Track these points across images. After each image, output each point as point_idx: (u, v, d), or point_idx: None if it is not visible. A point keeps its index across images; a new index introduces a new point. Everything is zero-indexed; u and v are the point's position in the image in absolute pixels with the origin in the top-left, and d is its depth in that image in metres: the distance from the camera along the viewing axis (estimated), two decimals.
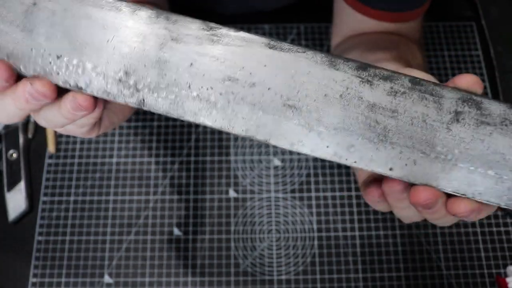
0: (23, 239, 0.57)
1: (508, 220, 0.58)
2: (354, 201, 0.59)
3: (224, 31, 0.25)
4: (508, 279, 0.54)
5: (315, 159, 0.61)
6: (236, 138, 0.63)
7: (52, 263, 0.56)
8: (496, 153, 0.26)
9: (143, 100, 0.26)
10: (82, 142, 0.62)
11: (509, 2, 0.71)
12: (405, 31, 0.51)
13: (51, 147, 0.62)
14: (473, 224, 0.58)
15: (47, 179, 0.60)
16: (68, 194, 0.60)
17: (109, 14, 0.25)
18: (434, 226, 0.57)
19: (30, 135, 0.62)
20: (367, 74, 0.25)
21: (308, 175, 0.60)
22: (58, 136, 0.63)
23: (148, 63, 0.25)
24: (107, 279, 0.55)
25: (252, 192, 0.60)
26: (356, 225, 0.58)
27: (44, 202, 0.59)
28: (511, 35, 0.69)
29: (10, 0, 0.26)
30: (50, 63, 0.26)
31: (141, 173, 0.61)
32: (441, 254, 0.56)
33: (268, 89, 0.25)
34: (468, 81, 0.26)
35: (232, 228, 0.58)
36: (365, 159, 0.25)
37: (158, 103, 0.25)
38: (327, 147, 0.25)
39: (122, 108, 0.35)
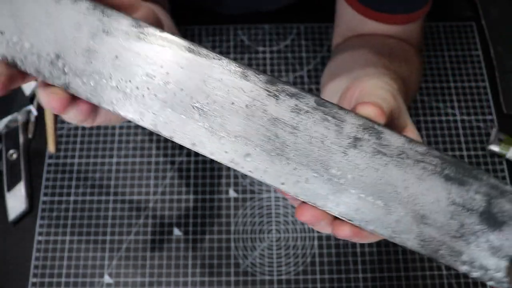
0: (23, 239, 0.57)
1: None
2: None
3: (151, 30, 0.26)
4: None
5: None
6: None
7: (52, 263, 0.56)
8: (388, 184, 0.26)
9: (69, 83, 0.27)
10: (82, 142, 0.62)
11: (509, 2, 0.71)
12: (405, 34, 0.51)
13: (51, 147, 0.62)
14: None
15: (47, 179, 0.60)
16: (68, 194, 0.60)
17: (52, 2, 0.27)
18: None
19: (30, 135, 0.62)
20: (275, 88, 0.26)
21: None
22: (58, 136, 0.63)
23: (78, 50, 0.27)
24: (107, 279, 0.55)
25: (252, 192, 0.60)
26: None
27: (44, 202, 0.59)
28: (511, 35, 0.69)
29: None
30: None
31: (141, 173, 0.61)
32: None
33: (181, 89, 0.26)
34: (369, 111, 0.27)
35: (232, 228, 0.58)
36: (259, 170, 0.26)
37: (81, 88, 0.27)
38: (226, 152, 0.26)
39: None
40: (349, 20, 0.52)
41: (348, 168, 0.26)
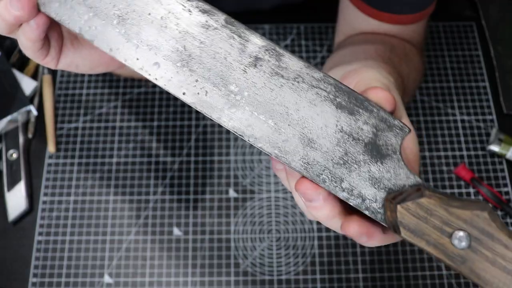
0: (23, 239, 0.57)
1: (508, 220, 0.58)
2: None
3: None
4: None
5: None
6: (236, 138, 0.63)
7: (52, 263, 0.56)
8: (281, 105, 0.27)
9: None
10: (82, 142, 0.62)
11: (509, 2, 0.71)
12: (408, 33, 0.51)
13: (51, 147, 0.62)
14: None
15: (47, 179, 0.60)
16: (68, 194, 0.60)
17: None
18: None
19: (30, 135, 0.62)
20: (189, 4, 0.28)
21: None
22: (58, 136, 0.63)
23: None
24: (107, 279, 0.55)
25: (252, 192, 0.60)
26: None
27: (44, 202, 0.59)
28: (511, 35, 0.69)
29: None
30: None
31: (141, 173, 0.61)
32: None
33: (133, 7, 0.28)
34: (380, 96, 0.29)
35: (232, 228, 0.58)
36: (165, 78, 0.27)
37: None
38: (137, 59, 0.28)
39: (87, 52, 0.34)
40: (352, 19, 0.52)
41: (245, 86, 0.27)
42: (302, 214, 0.58)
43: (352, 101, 0.27)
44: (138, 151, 0.62)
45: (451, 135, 0.63)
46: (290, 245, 0.57)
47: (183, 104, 0.65)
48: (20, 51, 0.66)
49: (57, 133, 0.63)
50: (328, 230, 0.58)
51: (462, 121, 0.64)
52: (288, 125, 0.27)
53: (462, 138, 0.62)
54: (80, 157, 0.62)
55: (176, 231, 0.58)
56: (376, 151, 0.27)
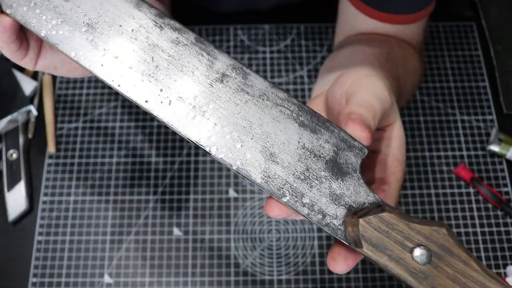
0: (23, 239, 0.57)
1: (508, 220, 0.58)
2: None
3: None
4: (508, 279, 0.54)
5: None
6: None
7: (52, 263, 0.56)
8: (244, 120, 0.28)
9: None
10: (82, 142, 0.62)
11: (509, 2, 0.71)
12: (407, 34, 0.51)
13: (51, 147, 0.62)
14: (473, 224, 0.58)
15: (47, 179, 0.60)
16: (68, 194, 0.60)
17: None
18: None
19: (30, 135, 0.62)
20: (162, 21, 0.29)
21: None
22: (58, 136, 0.63)
23: None
24: (107, 279, 0.55)
25: (252, 192, 0.60)
26: None
27: (44, 202, 0.59)
28: (511, 35, 0.69)
29: None
30: None
31: (141, 173, 0.61)
32: None
33: (78, 7, 0.29)
34: (356, 134, 0.29)
35: (232, 228, 0.58)
36: (129, 85, 0.28)
37: None
38: (102, 65, 0.28)
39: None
40: (351, 19, 0.52)
41: (210, 98, 0.28)
42: None
43: (314, 120, 0.28)
44: (138, 151, 0.62)
45: (451, 135, 0.63)
46: (290, 245, 0.57)
47: None
48: None
49: (57, 133, 0.63)
50: None
51: (462, 121, 0.64)
52: (251, 138, 0.28)
53: (462, 138, 0.62)
54: (80, 157, 0.62)
55: (176, 231, 0.58)
56: (337, 168, 0.28)
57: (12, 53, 0.31)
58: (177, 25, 0.29)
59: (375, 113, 0.30)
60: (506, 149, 0.60)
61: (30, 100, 0.64)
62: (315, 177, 0.28)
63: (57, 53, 0.34)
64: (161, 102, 0.28)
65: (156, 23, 0.29)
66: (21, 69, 0.65)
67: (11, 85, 0.62)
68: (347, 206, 0.28)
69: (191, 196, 0.60)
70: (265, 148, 0.28)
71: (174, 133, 0.63)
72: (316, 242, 0.57)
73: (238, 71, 0.28)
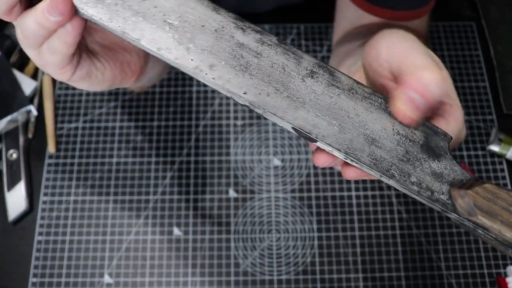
0: (23, 239, 0.57)
1: None
2: (354, 201, 0.59)
3: None
4: (508, 279, 0.54)
5: None
6: (236, 138, 0.63)
7: (52, 263, 0.56)
8: (341, 109, 0.29)
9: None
10: (82, 142, 0.62)
11: (509, 2, 0.71)
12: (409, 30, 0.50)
13: (51, 147, 0.62)
14: None
15: (47, 179, 0.60)
16: (68, 194, 0.60)
17: None
18: (434, 226, 0.57)
19: (30, 135, 0.62)
20: (242, 24, 0.29)
21: (308, 175, 0.60)
22: (58, 136, 0.63)
23: None
24: (107, 279, 0.55)
25: (252, 192, 0.60)
26: (356, 225, 0.58)
27: (44, 202, 0.59)
28: (511, 35, 0.69)
29: None
30: None
31: (141, 173, 0.61)
32: (441, 254, 0.56)
33: (155, 7, 0.29)
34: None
35: (232, 228, 0.58)
36: (223, 78, 0.28)
37: None
38: (192, 60, 0.28)
39: (101, 64, 0.34)
40: (350, 16, 0.52)
41: (306, 92, 0.29)
42: (302, 214, 0.59)
43: None
44: (138, 151, 0.62)
45: None
46: (290, 245, 0.57)
47: (183, 104, 0.65)
48: (20, 51, 0.66)
49: (57, 133, 0.63)
50: (328, 230, 0.58)
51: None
52: (351, 126, 0.29)
53: None
54: (80, 157, 0.62)
55: (176, 231, 0.58)
56: (431, 151, 0.30)
57: (64, 58, 0.30)
58: (257, 28, 0.29)
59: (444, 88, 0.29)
60: (506, 149, 0.60)
61: (30, 100, 0.64)
62: (415, 158, 0.30)
63: (94, 62, 0.33)
64: (259, 94, 0.29)
65: (237, 25, 0.29)
66: (21, 69, 0.65)
67: (11, 85, 0.62)
68: (449, 182, 0.30)
69: (191, 196, 0.60)
70: (366, 135, 0.29)
71: (174, 133, 0.63)
72: (316, 242, 0.57)
73: (324, 69, 0.29)
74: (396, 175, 0.29)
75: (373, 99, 0.30)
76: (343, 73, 0.30)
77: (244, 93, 0.28)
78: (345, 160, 0.29)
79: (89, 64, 0.33)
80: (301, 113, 0.29)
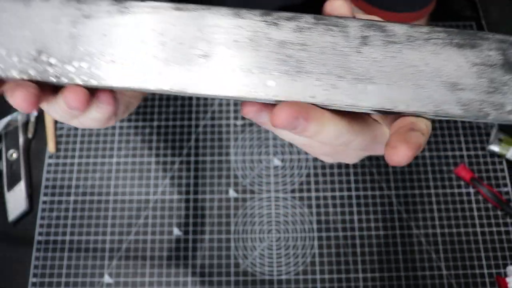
0: (23, 239, 0.57)
1: (508, 220, 0.58)
2: (354, 201, 0.59)
3: (133, 2, 0.27)
4: (508, 279, 0.54)
5: (315, 159, 0.61)
6: (236, 138, 0.63)
7: (52, 263, 0.56)
8: (410, 66, 0.27)
9: (60, 74, 0.27)
10: (82, 142, 0.62)
11: (509, 2, 0.71)
12: None
13: (51, 147, 0.62)
14: (473, 224, 0.58)
15: (47, 179, 0.60)
16: (68, 194, 0.60)
17: (20, 4, 0.27)
18: (434, 226, 0.57)
19: (30, 135, 0.62)
20: (271, 18, 0.27)
21: (308, 175, 0.60)
22: (58, 136, 0.63)
23: (61, 39, 0.27)
24: (107, 279, 0.55)
25: (252, 192, 0.60)
26: (356, 225, 0.58)
27: (44, 202, 0.59)
28: (511, 35, 0.69)
29: None
30: None
31: (141, 173, 0.61)
32: (441, 254, 0.56)
33: (180, 44, 0.27)
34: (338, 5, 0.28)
35: (232, 228, 0.58)
36: (284, 91, 0.26)
37: (73, 74, 0.27)
38: (245, 85, 0.26)
39: (120, 110, 0.34)
40: None
41: (367, 64, 0.27)
42: (302, 214, 0.59)
43: (466, 37, 0.27)
44: (138, 151, 0.62)
45: (451, 135, 0.63)
46: (290, 245, 0.57)
47: (183, 104, 0.65)
48: None
49: (57, 133, 0.63)
50: (328, 230, 0.58)
51: (462, 121, 0.64)
52: (426, 80, 0.27)
53: (462, 138, 0.62)
54: (80, 157, 0.62)
55: (176, 231, 0.58)
56: None
57: (105, 122, 0.30)
58: (288, 14, 0.27)
59: None
60: (506, 149, 0.60)
61: None
62: (502, 83, 0.27)
63: (125, 100, 0.33)
64: (325, 89, 0.27)
65: (267, 21, 0.27)
66: None
67: None
68: None
69: (191, 196, 0.60)
70: (445, 82, 0.27)
71: (174, 133, 0.63)
72: (316, 242, 0.57)
73: (374, 27, 0.27)
74: (491, 112, 0.27)
75: (434, 37, 0.27)
76: (393, 23, 0.27)
77: (312, 97, 0.26)
78: (435, 118, 0.27)
79: (123, 109, 0.33)
80: (373, 90, 0.27)
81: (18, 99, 0.25)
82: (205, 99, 0.65)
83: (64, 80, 0.27)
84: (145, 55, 0.27)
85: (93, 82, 0.27)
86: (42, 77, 0.27)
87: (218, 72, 0.26)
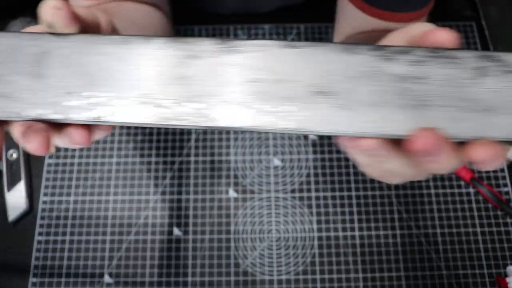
0: (23, 239, 0.57)
1: (508, 220, 0.58)
2: (354, 201, 0.59)
3: (237, 42, 0.26)
4: (508, 279, 0.54)
5: (315, 159, 0.61)
6: (236, 138, 0.63)
7: (52, 263, 0.56)
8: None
9: (173, 118, 0.26)
10: None
11: (509, 2, 0.71)
12: None
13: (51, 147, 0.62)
14: (473, 224, 0.58)
15: (47, 179, 0.60)
16: (68, 194, 0.60)
17: (122, 47, 0.26)
18: (434, 226, 0.57)
19: None
20: (383, 52, 0.26)
21: (308, 175, 0.60)
22: None
23: (169, 81, 0.26)
24: (107, 279, 0.55)
25: (252, 192, 0.60)
26: (356, 225, 0.58)
27: (44, 202, 0.59)
28: (511, 35, 0.69)
29: (17, 52, 0.26)
30: (70, 99, 0.26)
31: (141, 173, 0.61)
32: (441, 254, 0.56)
33: (294, 82, 0.26)
34: (445, 38, 0.26)
35: (232, 228, 0.58)
36: (409, 124, 0.25)
37: (193, 117, 0.26)
38: (367, 122, 0.25)
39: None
40: (351, 18, 0.52)
41: (492, 95, 0.26)
42: (302, 214, 0.59)
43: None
44: (138, 151, 0.62)
45: None
46: (290, 245, 0.57)
47: None
48: None
49: None
50: (328, 230, 0.58)
51: None
52: None
53: None
54: (80, 157, 0.62)
55: (176, 231, 0.58)
56: None
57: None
58: (399, 48, 0.26)
59: None
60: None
61: None
62: None
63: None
64: (453, 123, 0.25)
65: (381, 56, 0.26)
66: None
67: None
68: None
69: (191, 196, 0.60)
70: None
71: (174, 133, 0.63)
72: (316, 242, 0.57)
73: (487, 58, 0.26)
74: None
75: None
76: (503, 53, 0.26)
77: (438, 129, 0.25)
78: None
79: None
80: (500, 120, 0.25)
81: (34, 144, 0.25)
82: None
83: (172, 124, 0.25)
84: (260, 94, 0.26)
85: (209, 123, 0.26)
86: (150, 122, 0.26)
87: (338, 109, 0.25)
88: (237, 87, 0.26)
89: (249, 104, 0.26)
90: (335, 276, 0.55)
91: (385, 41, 0.29)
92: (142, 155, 0.62)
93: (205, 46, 0.26)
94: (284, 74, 0.26)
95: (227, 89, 0.26)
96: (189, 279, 0.55)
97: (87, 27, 0.28)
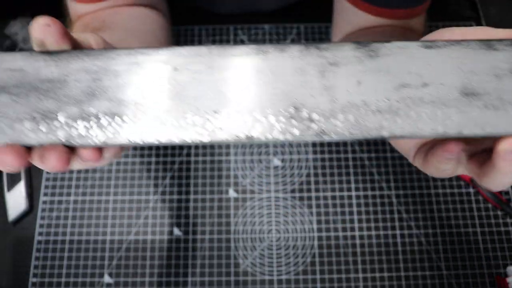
0: (23, 239, 0.57)
1: (508, 220, 0.58)
2: (354, 201, 0.59)
3: (377, 45, 0.25)
4: (508, 279, 0.54)
5: (315, 159, 0.61)
6: None
7: (52, 263, 0.56)
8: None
9: (323, 130, 0.25)
10: None
11: (509, 2, 0.71)
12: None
13: None
14: (473, 224, 0.58)
15: (47, 179, 0.60)
16: (68, 194, 0.60)
17: (260, 57, 0.25)
18: (434, 226, 0.57)
19: None
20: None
21: (308, 175, 0.60)
22: None
23: (315, 92, 0.25)
24: (107, 279, 0.55)
25: (252, 192, 0.60)
26: (356, 225, 0.58)
27: (44, 202, 0.59)
28: None
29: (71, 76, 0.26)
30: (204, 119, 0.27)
31: (141, 173, 0.61)
32: (441, 254, 0.56)
33: (441, 84, 0.25)
34: None
35: (232, 228, 0.58)
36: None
37: (337, 129, 0.25)
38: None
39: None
40: (349, 16, 0.52)
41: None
42: (302, 214, 0.58)
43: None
44: (138, 151, 0.62)
45: None
46: (290, 245, 0.57)
47: None
48: (20, 50, 0.66)
49: None
50: (328, 230, 0.58)
51: None
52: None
53: None
54: None
55: (176, 231, 0.58)
56: None
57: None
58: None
59: None
60: None
61: None
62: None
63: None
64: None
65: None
66: None
67: None
68: None
69: (191, 196, 0.60)
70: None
71: None
72: (316, 242, 0.57)
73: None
74: None
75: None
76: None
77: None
78: None
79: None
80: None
81: (52, 161, 0.25)
82: None
83: (328, 138, 0.25)
84: (409, 100, 0.25)
85: (357, 135, 0.25)
86: (302, 136, 0.25)
87: (489, 110, 0.25)
88: (384, 94, 0.25)
89: (398, 112, 0.25)
90: (335, 276, 0.55)
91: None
92: (142, 155, 0.62)
93: (345, 52, 0.25)
94: (429, 77, 0.25)
95: (373, 97, 0.25)
96: (189, 279, 0.55)
97: (78, 46, 0.28)
